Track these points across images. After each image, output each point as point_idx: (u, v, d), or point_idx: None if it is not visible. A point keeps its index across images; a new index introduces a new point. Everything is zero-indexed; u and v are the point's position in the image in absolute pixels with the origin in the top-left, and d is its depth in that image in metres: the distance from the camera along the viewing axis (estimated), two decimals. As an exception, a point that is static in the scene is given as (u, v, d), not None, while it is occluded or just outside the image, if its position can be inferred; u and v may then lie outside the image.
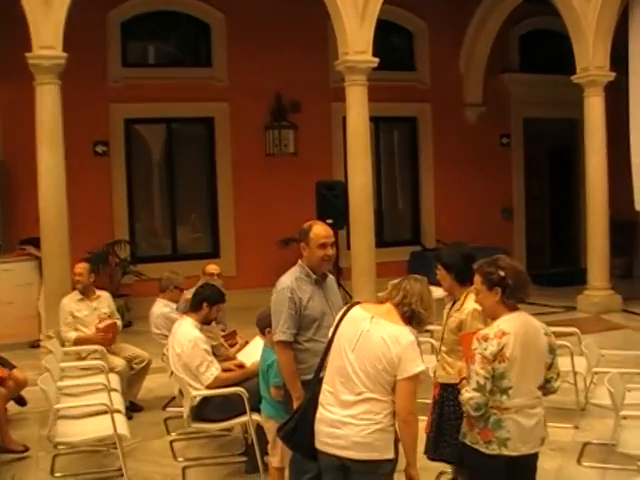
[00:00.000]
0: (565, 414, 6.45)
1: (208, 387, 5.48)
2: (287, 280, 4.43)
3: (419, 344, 3.67)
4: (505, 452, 3.70)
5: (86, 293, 7.32)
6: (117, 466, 5.54)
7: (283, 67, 11.86)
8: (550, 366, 3.80)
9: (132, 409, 6.95)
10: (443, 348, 4.63)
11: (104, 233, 11.19)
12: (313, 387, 3.87)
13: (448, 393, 4.48)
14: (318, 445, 3.71)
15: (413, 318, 3.69)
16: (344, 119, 10.38)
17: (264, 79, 11.82)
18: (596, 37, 10.55)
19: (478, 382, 3.65)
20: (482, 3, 12.89)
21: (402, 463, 3.71)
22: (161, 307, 7.08)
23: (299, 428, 3.85)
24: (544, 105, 13.35)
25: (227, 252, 12.16)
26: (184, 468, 5.75)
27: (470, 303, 4.38)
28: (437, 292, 4.51)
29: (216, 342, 6.17)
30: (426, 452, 4.62)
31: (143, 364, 7.23)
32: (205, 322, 5.96)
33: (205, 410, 5.46)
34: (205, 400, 5.45)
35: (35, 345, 9.18)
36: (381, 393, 3.57)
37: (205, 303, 5.93)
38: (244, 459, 5.79)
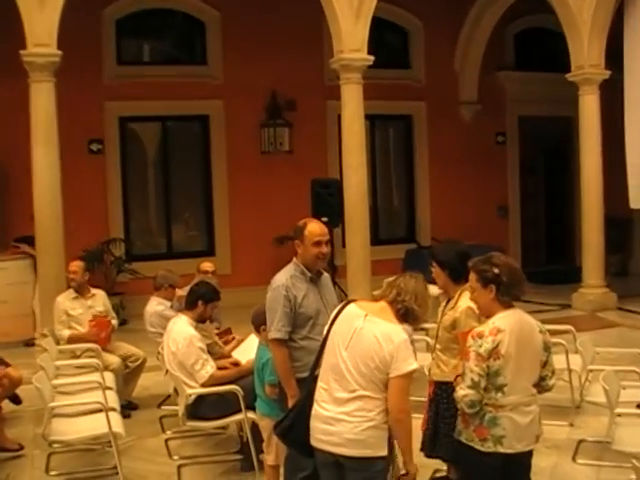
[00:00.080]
0: (560, 412, 6.46)
1: (203, 385, 5.47)
2: (282, 278, 4.43)
3: (413, 342, 3.67)
4: (500, 450, 3.70)
5: (81, 291, 7.31)
6: (112, 464, 5.53)
7: (278, 65, 11.85)
8: (545, 364, 3.81)
9: (129, 407, 6.95)
10: (438, 346, 4.64)
11: (99, 231, 11.18)
12: (309, 385, 3.88)
13: (442, 391, 4.48)
14: (313, 442, 3.72)
15: (408, 315, 3.69)
16: (339, 117, 10.39)
17: (259, 77, 11.81)
18: (591, 35, 10.56)
19: (472, 379, 3.65)
20: (477, 1, 12.91)
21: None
22: (155, 305, 7.06)
23: (295, 425, 3.86)
24: (539, 103, 13.37)
25: (222, 250, 12.15)
26: (179, 466, 5.74)
27: (464, 301, 4.38)
28: (432, 290, 4.50)
29: (210, 340, 6.17)
30: (422, 449, 4.63)
31: (138, 362, 7.23)
32: (200, 320, 5.96)
33: (200, 408, 5.45)
34: (200, 398, 5.44)
35: (30, 343, 9.15)
36: (374, 391, 3.57)
37: (200, 301, 5.93)
38: (239, 457, 5.78)
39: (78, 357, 7.00)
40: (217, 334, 6.65)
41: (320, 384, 3.73)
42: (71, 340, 7.07)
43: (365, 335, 3.60)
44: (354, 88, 9.64)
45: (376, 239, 12.13)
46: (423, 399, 4.84)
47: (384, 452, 3.61)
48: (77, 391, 6.24)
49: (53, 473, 5.69)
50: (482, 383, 3.66)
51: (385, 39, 12.91)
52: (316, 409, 3.71)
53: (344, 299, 4.64)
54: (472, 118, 13.65)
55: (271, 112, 12.14)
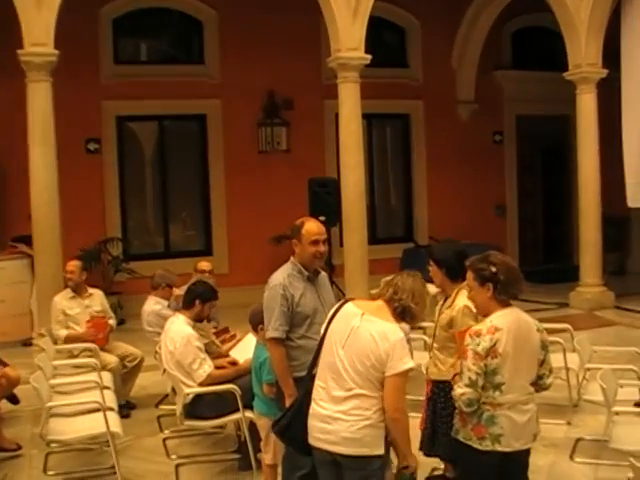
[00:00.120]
0: (558, 410, 6.47)
1: (201, 384, 5.47)
2: (279, 277, 4.42)
3: (409, 341, 3.67)
4: (498, 448, 3.70)
5: (78, 291, 7.30)
6: (110, 464, 5.52)
7: (276, 64, 11.85)
8: (542, 362, 3.81)
9: (128, 407, 6.95)
10: (435, 345, 4.64)
11: (96, 231, 11.17)
12: (306, 383, 3.87)
13: (440, 390, 4.49)
14: (311, 440, 3.72)
15: (405, 313, 3.69)
16: (337, 116, 10.39)
17: (256, 76, 11.81)
18: (588, 34, 10.57)
19: (470, 378, 3.66)
20: (474, 0, 12.89)
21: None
22: (152, 305, 7.07)
23: (293, 424, 3.85)
24: (536, 102, 13.38)
25: (219, 249, 12.15)
26: (177, 466, 5.74)
27: (461, 300, 4.39)
28: (430, 289, 4.50)
29: (208, 340, 6.16)
30: (421, 448, 4.64)
31: (136, 362, 7.22)
32: (198, 319, 5.96)
33: (198, 407, 5.45)
34: (198, 397, 5.44)
35: (27, 343, 9.15)
36: (370, 389, 3.57)
37: (198, 300, 5.92)
38: (237, 456, 5.79)
39: (76, 357, 7.00)
40: (214, 333, 6.64)
41: (318, 383, 3.73)
42: (68, 340, 7.07)
43: (362, 334, 3.60)
44: (351, 87, 9.64)
45: (374, 238, 12.15)
46: (421, 398, 4.84)
47: (381, 451, 3.61)
48: (75, 391, 6.23)
49: (51, 473, 5.68)
50: (480, 382, 3.66)
51: (382, 38, 12.90)
52: (314, 408, 3.71)
53: (342, 298, 4.64)
54: (469, 117, 13.65)
55: (268, 111, 12.13)
